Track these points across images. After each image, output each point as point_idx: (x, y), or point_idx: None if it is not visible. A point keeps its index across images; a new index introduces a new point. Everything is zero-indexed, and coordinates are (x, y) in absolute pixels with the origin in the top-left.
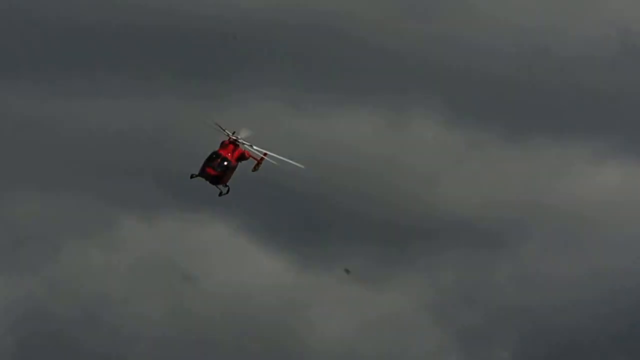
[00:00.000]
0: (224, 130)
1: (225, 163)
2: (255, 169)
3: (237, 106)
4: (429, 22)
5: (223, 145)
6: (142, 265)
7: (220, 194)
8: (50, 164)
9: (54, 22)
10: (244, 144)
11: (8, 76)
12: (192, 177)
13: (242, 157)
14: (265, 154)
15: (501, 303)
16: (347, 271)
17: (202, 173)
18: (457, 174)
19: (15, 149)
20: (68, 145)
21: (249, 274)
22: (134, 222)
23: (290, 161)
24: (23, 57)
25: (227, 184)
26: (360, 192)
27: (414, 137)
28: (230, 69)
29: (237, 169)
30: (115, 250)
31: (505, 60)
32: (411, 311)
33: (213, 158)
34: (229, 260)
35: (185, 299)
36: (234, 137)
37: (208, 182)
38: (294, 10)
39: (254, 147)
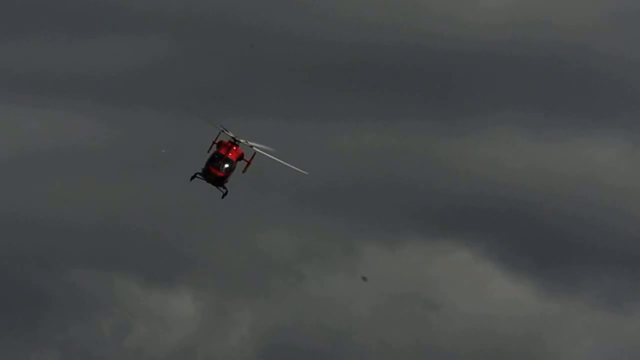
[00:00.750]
0: (226, 131)
1: (227, 165)
2: (245, 170)
3: (473, 130)
4: None
5: (224, 145)
6: (384, 293)
7: (223, 196)
8: (291, 190)
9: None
10: (244, 143)
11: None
12: (192, 178)
13: (242, 157)
14: (254, 154)
15: None
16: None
17: (206, 174)
18: None
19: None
20: (308, 166)
21: (493, 301)
22: (377, 249)
23: (292, 166)
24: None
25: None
26: (601, 218)
27: None
28: (465, 91)
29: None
30: (357, 278)
31: None
32: None
33: (216, 159)
34: (472, 287)
35: (428, 327)
36: (236, 137)
37: (208, 183)
38: (529, 31)
39: (254, 147)
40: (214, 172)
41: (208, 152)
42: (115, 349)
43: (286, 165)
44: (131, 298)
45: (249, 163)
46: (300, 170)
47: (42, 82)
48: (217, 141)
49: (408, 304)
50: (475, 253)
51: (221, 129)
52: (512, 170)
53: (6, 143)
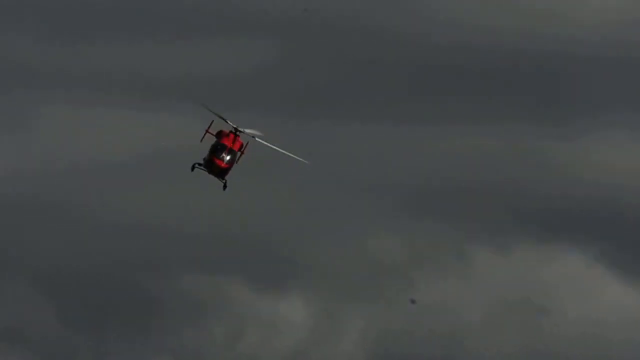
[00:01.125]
0: (227, 121)
1: (229, 157)
2: (238, 160)
3: (583, 132)
4: None
5: (225, 135)
6: (495, 298)
7: (224, 188)
8: (399, 191)
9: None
10: (246, 133)
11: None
12: (193, 168)
13: (242, 147)
14: (246, 144)
15: None
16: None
17: (210, 165)
18: None
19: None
20: (418, 170)
21: (605, 306)
22: (488, 254)
23: (294, 156)
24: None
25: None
26: None
27: None
28: (575, 93)
29: None
30: (470, 283)
31: None
32: None
33: (219, 150)
34: (585, 292)
35: (539, 333)
36: (237, 128)
37: (208, 174)
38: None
39: (255, 137)
40: (219, 164)
41: (201, 141)
42: (228, 354)
43: (288, 155)
44: (243, 304)
45: (242, 153)
46: (301, 159)
47: (148, 85)
48: (211, 130)
49: (519, 309)
50: (587, 258)
51: (222, 118)
52: (622, 174)
53: (115, 148)
